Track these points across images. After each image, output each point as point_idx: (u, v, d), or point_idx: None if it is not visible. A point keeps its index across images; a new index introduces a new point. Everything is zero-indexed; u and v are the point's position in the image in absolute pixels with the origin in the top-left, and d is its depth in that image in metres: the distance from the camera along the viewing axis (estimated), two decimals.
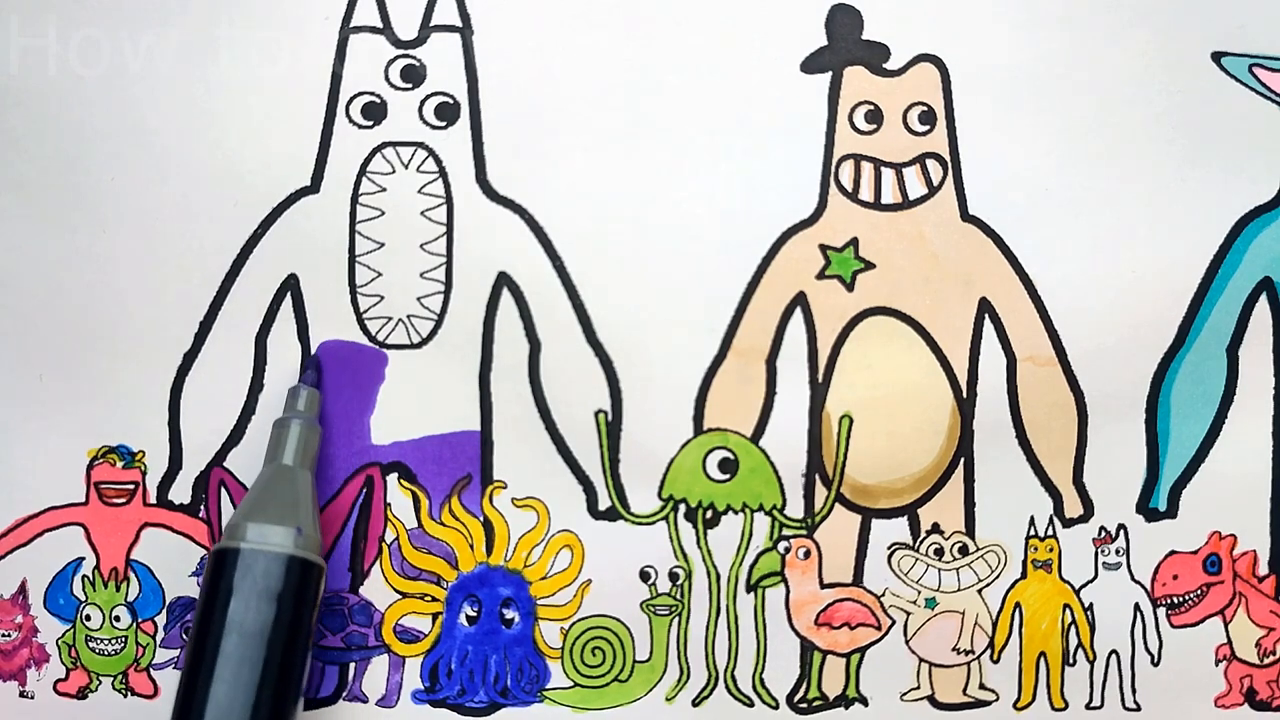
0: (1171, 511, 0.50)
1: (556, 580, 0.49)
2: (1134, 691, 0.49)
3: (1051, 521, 0.50)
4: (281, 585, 0.44)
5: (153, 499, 0.49)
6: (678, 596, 0.49)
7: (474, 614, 0.49)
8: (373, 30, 0.50)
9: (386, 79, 0.50)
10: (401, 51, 0.50)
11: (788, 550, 0.49)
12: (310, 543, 0.45)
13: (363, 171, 0.49)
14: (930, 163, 0.50)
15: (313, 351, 0.49)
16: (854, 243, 0.50)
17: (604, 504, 0.49)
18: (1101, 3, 0.49)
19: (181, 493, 0.49)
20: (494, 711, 0.49)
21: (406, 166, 0.49)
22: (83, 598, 0.50)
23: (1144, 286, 0.49)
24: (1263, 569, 0.50)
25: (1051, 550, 0.49)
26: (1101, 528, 0.50)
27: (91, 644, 0.50)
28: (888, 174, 0.50)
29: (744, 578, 0.49)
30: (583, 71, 0.49)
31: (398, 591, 0.49)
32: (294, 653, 0.44)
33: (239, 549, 0.44)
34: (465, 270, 0.49)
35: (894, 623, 0.50)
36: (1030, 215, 0.49)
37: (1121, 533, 0.50)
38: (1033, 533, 0.50)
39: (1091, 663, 0.49)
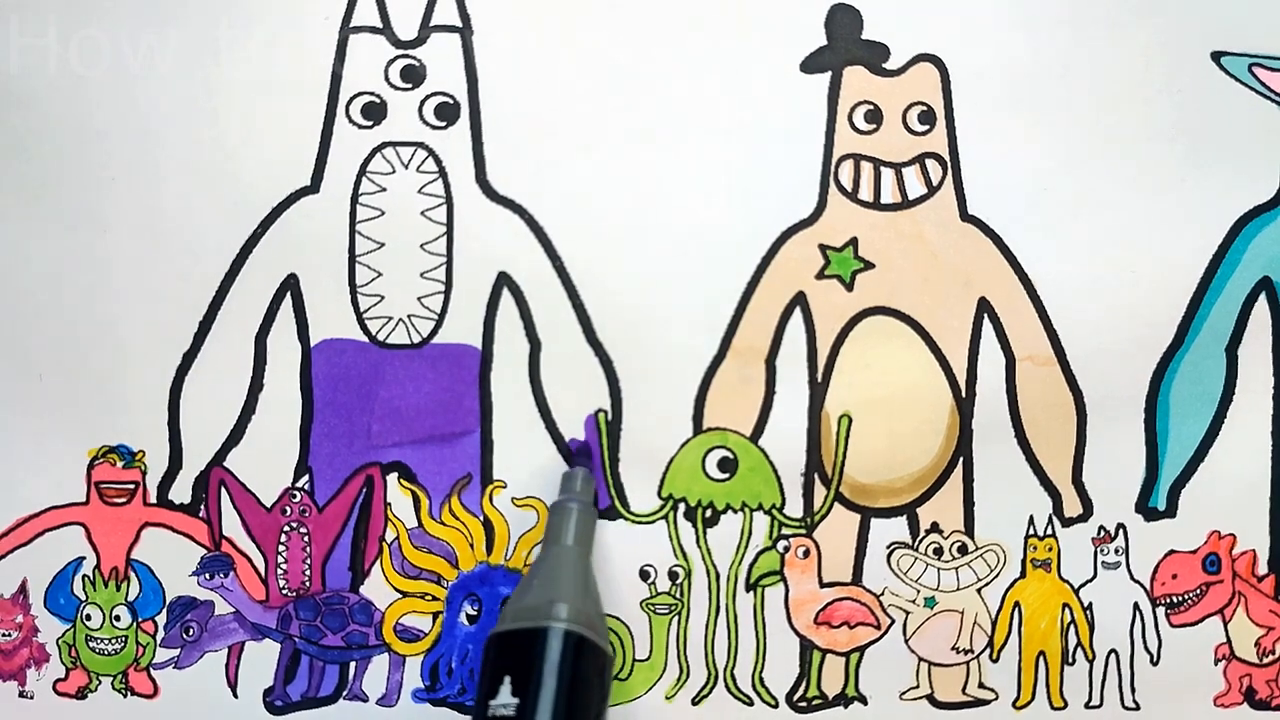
0: (1171, 511, 0.50)
1: None
2: (1133, 691, 0.49)
3: (1051, 521, 0.50)
4: (561, 661, 0.43)
5: (153, 499, 0.49)
6: (677, 595, 0.49)
7: (474, 613, 0.49)
8: (373, 30, 0.50)
9: (386, 79, 0.50)
10: (401, 51, 0.50)
11: (787, 549, 0.49)
12: (580, 616, 0.44)
13: (363, 171, 0.49)
14: (930, 162, 0.50)
15: (314, 344, 0.49)
16: (853, 242, 0.50)
17: (603, 503, 0.49)
18: (1101, 3, 0.49)
19: (182, 492, 0.49)
20: None
21: (406, 166, 0.49)
22: (83, 597, 0.50)
23: (1144, 286, 0.49)
24: (1262, 568, 0.50)
25: (1051, 549, 0.49)
26: (1101, 527, 0.50)
27: (91, 644, 0.50)
28: (887, 174, 0.50)
29: (743, 577, 0.49)
30: (583, 71, 0.49)
31: (398, 591, 0.49)
32: None
33: (515, 630, 0.44)
34: (465, 270, 0.49)
35: (893, 622, 0.50)
36: (1030, 215, 0.49)
37: (1121, 532, 0.50)
38: (1032, 532, 0.50)
39: (1091, 662, 0.49)
